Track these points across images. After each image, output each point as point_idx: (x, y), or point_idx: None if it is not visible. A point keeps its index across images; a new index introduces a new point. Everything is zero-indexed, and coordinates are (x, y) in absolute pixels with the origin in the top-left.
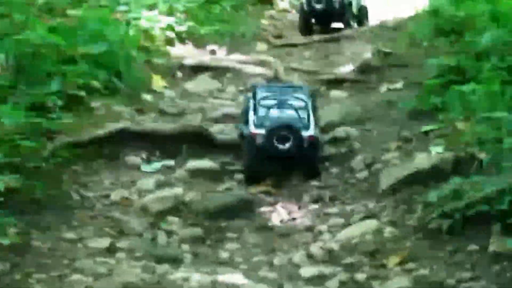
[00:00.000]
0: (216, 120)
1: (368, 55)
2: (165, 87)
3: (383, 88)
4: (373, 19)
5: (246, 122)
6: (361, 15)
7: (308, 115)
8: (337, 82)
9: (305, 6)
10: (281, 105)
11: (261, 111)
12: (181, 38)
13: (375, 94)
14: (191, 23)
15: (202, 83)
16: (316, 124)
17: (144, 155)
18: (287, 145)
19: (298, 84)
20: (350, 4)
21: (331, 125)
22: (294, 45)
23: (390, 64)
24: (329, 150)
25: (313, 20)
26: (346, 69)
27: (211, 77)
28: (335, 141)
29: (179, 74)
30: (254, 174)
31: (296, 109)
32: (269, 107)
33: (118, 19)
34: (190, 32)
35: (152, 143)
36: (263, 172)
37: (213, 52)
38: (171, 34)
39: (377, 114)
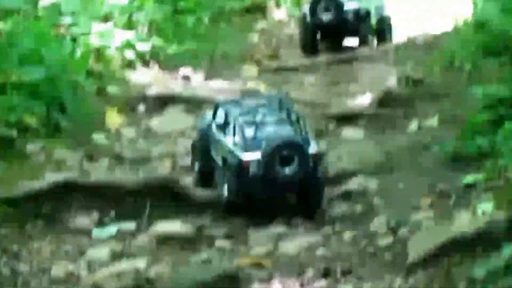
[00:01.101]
0: (189, 169)
1: (391, 81)
2: (123, 124)
3: (412, 125)
4: (398, 35)
5: (207, 154)
6: (383, 29)
7: (304, 127)
8: (350, 118)
9: (308, 17)
10: (269, 120)
11: (247, 131)
12: (144, 60)
13: (400, 134)
14: (157, 40)
15: (171, 120)
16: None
17: (95, 216)
18: (291, 167)
19: (267, 94)
20: (368, 14)
21: (343, 175)
22: (293, 69)
23: (421, 94)
24: (340, 207)
25: (318, 35)
26: (362, 100)
27: (183, 111)
28: (348, 196)
29: (142, 107)
30: (236, 206)
31: (291, 122)
32: (256, 124)
33: (60, 35)
34: (155, 51)
35: (106, 200)
36: (251, 204)
37: (186, 78)
38: (131, 55)
39: (404, 161)
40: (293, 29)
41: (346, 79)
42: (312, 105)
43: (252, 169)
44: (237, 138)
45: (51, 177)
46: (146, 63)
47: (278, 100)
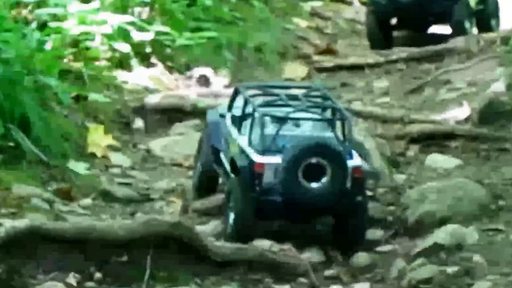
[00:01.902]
0: (208, 212)
1: (498, 87)
2: (113, 148)
3: None
4: (508, 19)
5: (215, 155)
6: (486, 12)
7: (347, 132)
8: (439, 140)
9: None
10: (300, 116)
11: (267, 127)
12: (144, 55)
13: (511, 163)
14: (162, 27)
15: (181, 141)
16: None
17: (72, 279)
18: (322, 182)
19: (307, 83)
20: None
21: (429, 222)
22: (357, 69)
23: None
24: (425, 269)
25: (393, 22)
26: (456, 114)
27: (197, 129)
28: (436, 252)
29: (139, 123)
30: (249, 233)
31: (330, 123)
32: (281, 119)
33: (22, 20)
34: (159, 43)
35: (88, 257)
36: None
37: (203, 81)
38: (125, 48)
39: None
40: (358, 12)
41: (433, 84)
42: (384, 120)
43: (267, 178)
44: (254, 136)
45: (8, 224)
46: (146, 60)
47: (318, 93)
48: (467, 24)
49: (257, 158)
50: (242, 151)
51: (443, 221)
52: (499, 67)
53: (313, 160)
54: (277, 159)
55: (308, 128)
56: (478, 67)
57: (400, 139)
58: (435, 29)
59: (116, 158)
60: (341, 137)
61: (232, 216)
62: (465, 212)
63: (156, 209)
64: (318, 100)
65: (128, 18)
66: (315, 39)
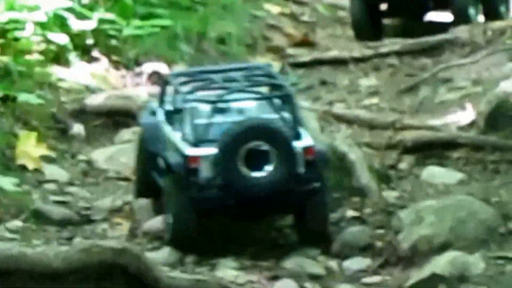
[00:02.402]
0: (161, 235)
1: (508, 85)
2: (47, 159)
3: None
4: None
5: (152, 161)
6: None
7: (296, 114)
8: (438, 150)
9: None
10: (238, 99)
11: (200, 116)
12: (84, 48)
13: None
14: (106, 14)
15: (128, 150)
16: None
17: None
18: (267, 169)
19: (253, 64)
20: None
21: (427, 249)
22: (340, 63)
23: None
24: None
25: (383, 7)
26: (458, 118)
27: None
28: (436, 283)
29: (79, 129)
30: (188, 238)
31: (273, 103)
32: (215, 105)
33: None
34: (103, 33)
35: None
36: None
37: (155, 77)
38: (61, 39)
39: None
40: None
41: (431, 82)
42: (372, 126)
43: (205, 172)
44: (187, 127)
45: None
46: (87, 54)
47: (259, 73)
48: (471, 11)
49: (190, 151)
50: (175, 147)
51: (442, 248)
52: (509, 62)
53: (253, 145)
54: (214, 150)
55: (249, 111)
56: (484, 62)
57: (391, 148)
58: (433, 16)
59: (51, 171)
60: (287, 117)
61: (170, 219)
62: (469, 237)
63: (98, 232)
64: (261, 79)
65: (65, 3)
66: (289, 28)
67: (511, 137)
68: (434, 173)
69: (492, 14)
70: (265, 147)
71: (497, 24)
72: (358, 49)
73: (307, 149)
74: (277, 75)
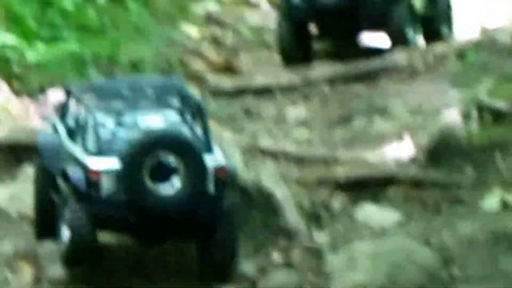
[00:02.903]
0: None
1: (450, 116)
2: None
3: (489, 200)
4: (462, 27)
5: (51, 181)
6: (435, 16)
7: (207, 128)
8: (374, 187)
9: None
10: (144, 110)
11: (104, 127)
12: None
13: (469, 217)
14: (6, 36)
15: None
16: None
17: None
18: (174, 183)
19: (163, 77)
20: None
21: None
22: (266, 90)
23: (505, 139)
24: None
25: (313, 29)
26: (395, 152)
27: None
28: None
29: None
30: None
31: (182, 118)
32: (118, 116)
33: None
34: (3, 58)
35: None
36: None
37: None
38: None
39: (477, 268)
40: (267, 17)
41: (366, 111)
42: (302, 162)
43: (107, 186)
44: (89, 140)
45: None
46: None
47: (167, 85)
48: (410, 32)
49: (92, 164)
50: (76, 161)
51: None
52: (452, 90)
53: (160, 157)
54: (115, 162)
55: (153, 123)
56: (424, 90)
57: (322, 185)
58: (368, 38)
59: None
60: (198, 130)
61: (66, 233)
62: (407, 283)
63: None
64: (170, 91)
65: None
66: (210, 52)
67: (453, 173)
68: (370, 213)
69: (433, 35)
70: (173, 161)
71: (439, 47)
72: (286, 76)
73: (219, 168)
74: (186, 87)
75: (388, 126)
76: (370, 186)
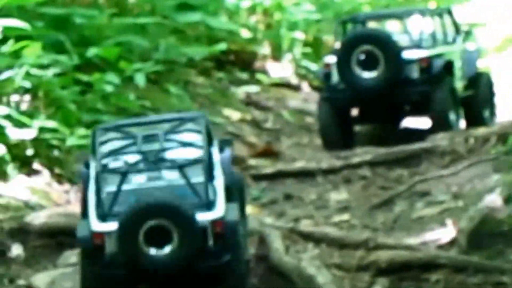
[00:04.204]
0: None
1: (493, 199)
2: None
3: None
4: (504, 110)
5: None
6: (477, 101)
7: (210, 177)
8: (415, 271)
9: (334, 78)
10: (149, 162)
11: (108, 185)
12: (24, 159)
13: None
14: (47, 121)
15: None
16: (232, 199)
17: None
18: (168, 247)
19: (187, 114)
20: (451, 69)
21: None
22: (307, 174)
23: None
24: None
25: (355, 113)
26: (436, 236)
27: None
28: None
29: (17, 250)
30: None
31: (181, 167)
32: (123, 173)
33: None
34: (44, 143)
35: None
36: None
37: None
38: None
39: None
40: (308, 100)
41: (407, 196)
42: (343, 245)
43: (110, 248)
44: (98, 197)
45: None
46: (26, 166)
47: (196, 124)
48: (452, 116)
49: (96, 226)
50: (87, 217)
51: None
52: (494, 174)
53: (154, 223)
54: (115, 225)
55: (161, 180)
56: (466, 174)
57: (363, 270)
58: (410, 122)
59: None
60: (196, 180)
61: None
62: None
63: None
64: (188, 136)
65: (2, 110)
66: (250, 136)
67: (495, 257)
68: None
69: (475, 119)
70: (166, 224)
71: (481, 130)
72: (327, 160)
73: (215, 222)
74: (205, 127)
75: (429, 210)
76: (411, 271)
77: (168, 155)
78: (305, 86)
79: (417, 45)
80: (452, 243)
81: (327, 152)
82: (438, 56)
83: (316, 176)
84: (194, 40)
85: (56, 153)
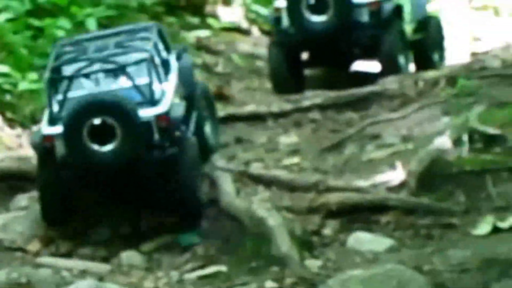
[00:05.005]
0: None
1: (442, 142)
2: None
3: (481, 227)
4: (455, 52)
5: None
6: (426, 44)
7: (157, 77)
8: (365, 213)
9: (284, 22)
10: (95, 68)
11: (59, 92)
12: None
13: (460, 244)
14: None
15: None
16: (178, 95)
17: None
18: (113, 143)
19: (142, 25)
20: (400, 13)
21: None
22: (258, 117)
23: (498, 164)
24: None
25: (304, 56)
26: (387, 178)
27: None
28: None
29: None
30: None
31: (123, 67)
32: (69, 77)
33: None
34: None
35: None
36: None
37: None
38: None
39: None
40: (258, 45)
41: (357, 139)
42: (293, 188)
43: (60, 150)
44: (51, 104)
45: None
46: None
47: (148, 32)
48: (401, 59)
49: (45, 130)
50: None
51: None
52: (443, 117)
53: (97, 118)
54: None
55: (104, 83)
56: (416, 117)
57: (314, 213)
58: (359, 65)
59: None
60: (142, 80)
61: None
62: None
63: None
64: (139, 44)
65: None
66: (202, 80)
67: (445, 199)
68: (361, 240)
69: (424, 63)
70: (109, 121)
71: (430, 74)
72: (277, 103)
73: (160, 117)
74: (156, 32)
75: (379, 153)
76: (361, 213)
77: (116, 60)
78: (255, 30)
79: None
80: (402, 185)
81: (278, 96)
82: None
83: (267, 120)
84: None
85: (8, 97)
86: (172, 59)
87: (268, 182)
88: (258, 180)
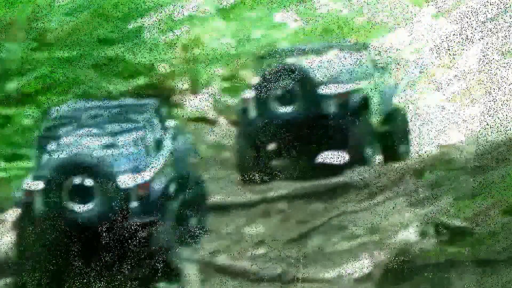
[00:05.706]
0: None
1: (408, 234)
2: None
3: None
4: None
5: None
6: (392, 136)
7: (145, 149)
8: None
9: (251, 112)
10: (84, 129)
11: (47, 148)
12: None
13: None
14: None
15: None
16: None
17: None
18: (91, 203)
19: (141, 101)
20: (366, 105)
21: None
22: (223, 208)
23: (465, 257)
24: None
25: (271, 146)
26: (353, 270)
27: None
28: None
29: None
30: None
31: (113, 134)
32: (56, 138)
33: None
34: None
35: None
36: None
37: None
38: None
39: None
40: (225, 135)
41: (323, 230)
42: (259, 279)
43: (38, 206)
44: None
45: None
46: None
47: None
48: (368, 151)
49: (26, 185)
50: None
51: None
52: (410, 208)
53: (76, 178)
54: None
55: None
56: (382, 208)
57: None
58: (327, 156)
59: None
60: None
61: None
62: None
63: None
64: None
65: None
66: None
67: None
68: None
69: (391, 154)
70: (88, 180)
71: (396, 165)
72: (244, 194)
73: (140, 185)
74: (154, 111)
75: (345, 244)
76: None
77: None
78: (223, 120)
79: (334, 80)
80: (368, 278)
81: (244, 186)
82: (355, 91)
83: (233, 210)
84: (114, 74)
85: None
86: (167, 137)
87: (234, 274)
88: (223, 271)
